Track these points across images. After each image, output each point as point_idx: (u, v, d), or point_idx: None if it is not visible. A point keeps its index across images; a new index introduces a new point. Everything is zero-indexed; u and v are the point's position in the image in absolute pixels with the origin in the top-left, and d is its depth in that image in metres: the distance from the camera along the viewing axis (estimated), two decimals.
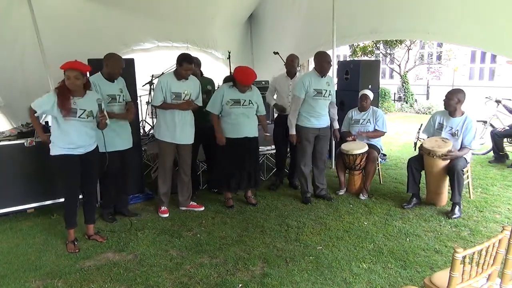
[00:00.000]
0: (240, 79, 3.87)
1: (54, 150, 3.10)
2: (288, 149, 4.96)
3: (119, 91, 3.70)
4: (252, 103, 3.99)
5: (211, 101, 4.01)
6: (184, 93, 3.85)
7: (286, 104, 4.58)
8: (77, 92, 3.07)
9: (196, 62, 4.38)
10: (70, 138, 3.08)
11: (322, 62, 4.12)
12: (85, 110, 3.11)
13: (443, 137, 3.98)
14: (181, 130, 3.89)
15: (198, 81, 4.08)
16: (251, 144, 4.07)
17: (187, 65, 3.78)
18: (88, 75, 3.23)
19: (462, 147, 3.94)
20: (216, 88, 4.74)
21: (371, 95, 4.81)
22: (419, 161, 4.12)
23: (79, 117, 3.09)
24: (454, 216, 3.82)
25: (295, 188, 4.80)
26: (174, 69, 3.90)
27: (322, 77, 4.17)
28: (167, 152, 3.98)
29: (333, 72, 5.76)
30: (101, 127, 3.29)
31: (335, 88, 4.35)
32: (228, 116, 3.97)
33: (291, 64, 4.59)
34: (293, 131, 4.24)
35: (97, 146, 3.35)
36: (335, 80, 5.99)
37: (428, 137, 4.20)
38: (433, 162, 3.95)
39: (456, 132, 3.97)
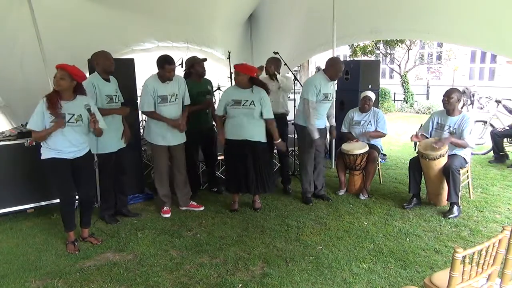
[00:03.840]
0: (236, 67, 3.92)
1: (45, 154, 3.08)
2: (277, 155, 4.95)
3: (115, 91, 3.71)
4: (254, 104, 3.84)
5: (218, 104, 4.02)
6: (169, 95, 3.84)
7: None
8: (65, 94, 3.04)
9: (202, 59, 4.39)
10: (58, 143, 3.05)
11: (339, 71, 4.10)
12: (73, 115, 3.06)
13: (435, 137, 3.99)
14: (170, 131, 3.89)
15: (182, 79, 4.05)
16: (252, 149, 3.90)
17: (168, 66, 3.75)
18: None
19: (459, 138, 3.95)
20: (214, 88, 4.74)
21: (373, 96, 4.79)
22: (419, 163, 4.12)
23: (68, 121, 3.04)
24: (452, 215, 3.82)
25: (286, 193, 4.72)
26: (157, 72, 3.84)
27: (330, 81, 4.18)
28: (161, 155, 3.97)
29: None
30: (97, 134, 3.24)
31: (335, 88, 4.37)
32: (230, 117, 3.94)
33: (270, 71, 4.59)
34: (316, 135, 4.09)
35: (89, 150, 3.32)
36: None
37: (424, 134, 4.21)
38: (428, 164, 3.95)
39: (454, 131, 3.98)
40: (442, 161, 3.92)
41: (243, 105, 3.86)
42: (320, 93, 4.10)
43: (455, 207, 3.88)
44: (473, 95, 7.21)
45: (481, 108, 6.85)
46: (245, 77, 3.84)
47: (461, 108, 6.68)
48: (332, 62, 4.16)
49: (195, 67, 4.31)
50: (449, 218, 3.80)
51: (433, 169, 3.96)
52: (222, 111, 3.97)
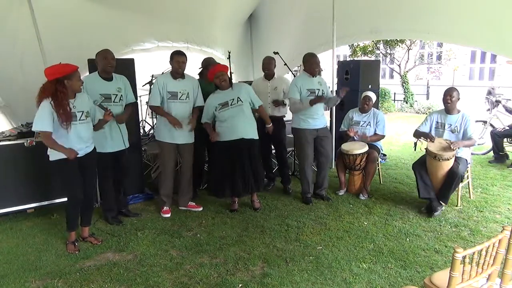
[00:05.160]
0: (210, 76, 3.92)
1: (54, 155, 3.05)
2: (274, 153, 4.95)
3: (116, 91, 3.62)
4: (240, 100, 3.87)
5: (203, 112, 3.98)
6: (180, 92, 3.83)
7: (267, 105, 4.53)
8: (72, 94, 3.04)
9: (211, 62, 4.43)
10: (70, 143, 3.03)
11: (312, 63, 4.18)
12: (82, 112, 3.09)
13: (446, 139, 3.96)
14: (180, 130, 3.88)
15: (196, 81, 4.06)
16: (248, 146, 3.91)
17: (178, 57, 3.78)
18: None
19: (466, 139, 3.94)
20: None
21: (373, 97, 4.76)
22: (423, 165, 4.06)
23: (79, 119, 3.06)
24: (436, 213, 3.88)
25: (286, 193, 4.71)
26: (171, 69, 3.89)
27: (313, 77, 4.21)
28: (168, 153, 3.97)
29: (333, 72, 5.78)
30: (97, 128, 3.26)
31: (331, 87, 4.35)
32: (221, 121, 3.92)
33: (268, 67, 4.61)
34: (309, 101, 4.12)
35: (94, 148, 3.33)
36: (335, 80, 5.99)
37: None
38: (438, 165, 3.89)
39: (455, 129, 3.99)
40: (452, 161, 3.91)
41: (231, 105, 3.86)
42: (303, 89, 4.16)
43: (440, 207, 3.91)
44: (497, 102, 6.77)
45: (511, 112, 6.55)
46: (227, 76, 3.91)
47: (488, 110, 6.63)
48: (306, 58, 4.24)
49: (208, 68, 4.33)
50: (434, 216, 3.84)
51: (443, 169, 3.90)
52: (209, 118, 3.95)
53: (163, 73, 4.90)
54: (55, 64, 2.99)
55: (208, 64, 4.38)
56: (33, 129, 3.05)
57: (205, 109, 3.97)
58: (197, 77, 4.42)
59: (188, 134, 3.97)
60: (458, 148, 3.84)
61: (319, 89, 4.21)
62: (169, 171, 4.03)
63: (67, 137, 3.01)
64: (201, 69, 4.52)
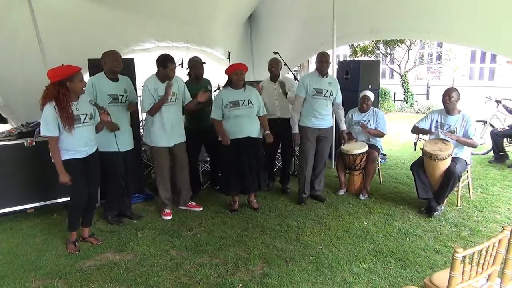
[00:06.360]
0: (229, 70, 3.92)
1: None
2: (278, 154, 4.94)
3: (122, 91, 3.65)
4: (251, 102, 3.92)
5: (213, 108, 3.98)
6: (171, 95, 3.80)
7: (275, 107, 4.54)
8: (72, 96, 3.00)
9: (200, 62, 4.43)
10: (73, 145, 3.03)
11: (319, 61, 4.16)
12: (86, 114, 3.09)
13: (443, 139, 3.96)
14: (171, 132, 3.86)
15: (180, 78, 4.05)
16: (254, 144, 3.96)
17: (171, 65, 3.75)
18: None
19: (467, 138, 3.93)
20: (215, 88, 4.74)
21: (372, 96, 4.79)
22: (421, 165, 4.07)
23: (83, 122, 3.06)
24: (437, 212, 3.88)
25: (284, 192, 4.72)
26: (156, 71, 3.82)
27: (323, 77, 4.17)
28: (162, 157, 3.94)
29: (333, 72, 5.77)
30: (112, 128, 3.28)
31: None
32: (228, 119, 3.92)
33: (274, 67, 4.59)
34: (295, 130, 4.25)
35: (97, 149, 3.32)
36: None
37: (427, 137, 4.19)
38: (435, 165, 3.90)
39: (454, 130, 3.98)
40: (449, 161, 3.90)
41: (242, 106, 3.89)
42: (310, 88, 4.14)
43: (439, 206, 3.92)
44: (497, 102, 6.47)
45: None
46: (245, 76, 3.90)
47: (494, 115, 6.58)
48: (316, 57, 4.23)
49: (192, 69, 4.42)
50: (434, 216, 3.84)
51: (440, 169, 3.90)
52: (220, 115, 3.94)
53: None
54: (58, 65, 2.97)
55: (191, 65, 4.41)
56: (41, 133, 3.05)
57: (214, 105, 3.98)
58: (186, 78, 4.42)
59: (178, 134, 3.96)
60: (456, 150, 3.82)
61: (327, 90, 4.16)
62: (166, 174, 4.01)
63: (71, 140, 3.01)
64: (188, 69, 4.50)
